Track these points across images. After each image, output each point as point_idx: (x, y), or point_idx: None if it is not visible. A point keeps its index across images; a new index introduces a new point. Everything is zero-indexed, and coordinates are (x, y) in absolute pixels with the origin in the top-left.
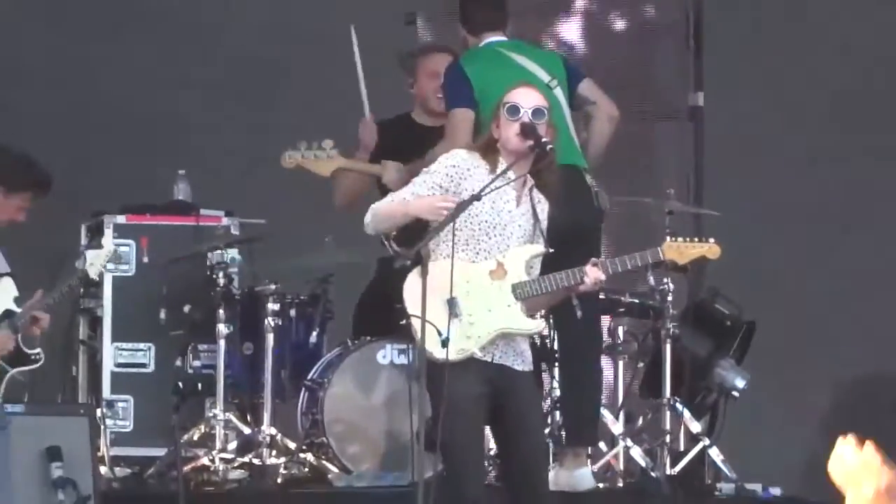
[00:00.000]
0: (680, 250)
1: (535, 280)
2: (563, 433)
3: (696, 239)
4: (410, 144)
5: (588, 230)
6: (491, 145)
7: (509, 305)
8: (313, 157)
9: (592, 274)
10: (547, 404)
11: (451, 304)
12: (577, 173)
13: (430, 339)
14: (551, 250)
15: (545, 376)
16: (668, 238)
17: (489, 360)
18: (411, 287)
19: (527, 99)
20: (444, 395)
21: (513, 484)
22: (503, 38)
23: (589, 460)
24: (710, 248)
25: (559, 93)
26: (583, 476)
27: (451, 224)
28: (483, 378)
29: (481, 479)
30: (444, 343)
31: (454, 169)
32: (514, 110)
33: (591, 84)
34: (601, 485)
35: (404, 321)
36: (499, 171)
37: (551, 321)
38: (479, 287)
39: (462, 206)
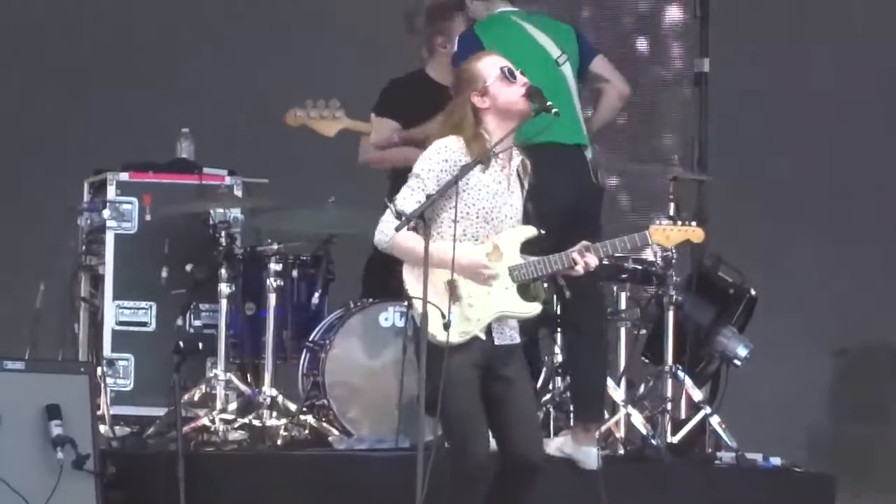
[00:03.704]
0: (666, 234)
1: (530, 263)
2: (572, 407)
3: (680, 223)
4: (427, 100)
5: (589, 210)
6: (477, 124)
7: (507, 288)
8: (319, 116)
9: (588, 260)
10: (549, 370)
11: (452, 286)
12: (580, 153)
13: (433, 322)
14: (542, 232)
15: (547, 342)
16: (656, 221)
17: (489, 340)
18: (409, 275)
19: (508, 62)
20: (443, 370)
21: (508, 456)
22: (513, 8)
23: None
24: (693, 233)
25: (567, 69)
26: (588, 454)
27: (455, 188)
28: (481, 355)
29: (485, 443)
30: (447, 327)
31: (447, 164)
32: (513, 73)
33: (605, 61)
34: (603, 452)
35: (406, 303)
36: (490, 147)
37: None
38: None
39: (465, 170)
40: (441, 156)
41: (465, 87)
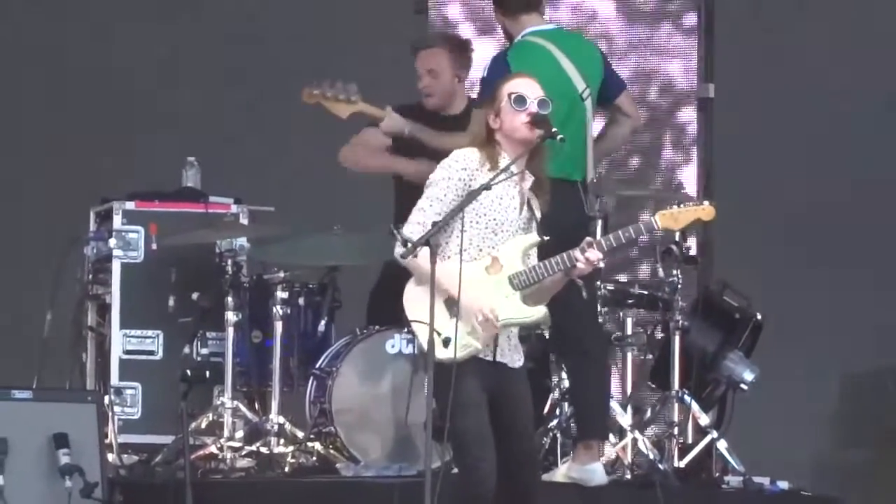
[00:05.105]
0: (674, 217)
1: (530, 269)
2: (574, 426)
3: (691, 203)
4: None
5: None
6: (489, 142)
7: (507, 297)
8: (335, 97)
9: (590, 255)
10: (556, 395)
11: (450, 305)
12: (575, 188)
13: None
14: (546, 238)
15: (553, 367)
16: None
17: (489, 359)
18: (410, 293)
19: (531, 89)
20: (451, 390)
21: (504, 480)
22: (545, 27)
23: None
24: (704, 210)
25: (589, 104)
26: (594, 471)
27: (461, 215)
28: (483, 376)
29: (494, 464)
30: (447, 343)
31: (465, 172)
32: (521, 100)
33: (629, 96)
34: (610, 476)
35: (406, 327)
36: (500, 163)
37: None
38: (476, 284)
39: (472, 196)
40: (459, 164)
41: (486, 103)
